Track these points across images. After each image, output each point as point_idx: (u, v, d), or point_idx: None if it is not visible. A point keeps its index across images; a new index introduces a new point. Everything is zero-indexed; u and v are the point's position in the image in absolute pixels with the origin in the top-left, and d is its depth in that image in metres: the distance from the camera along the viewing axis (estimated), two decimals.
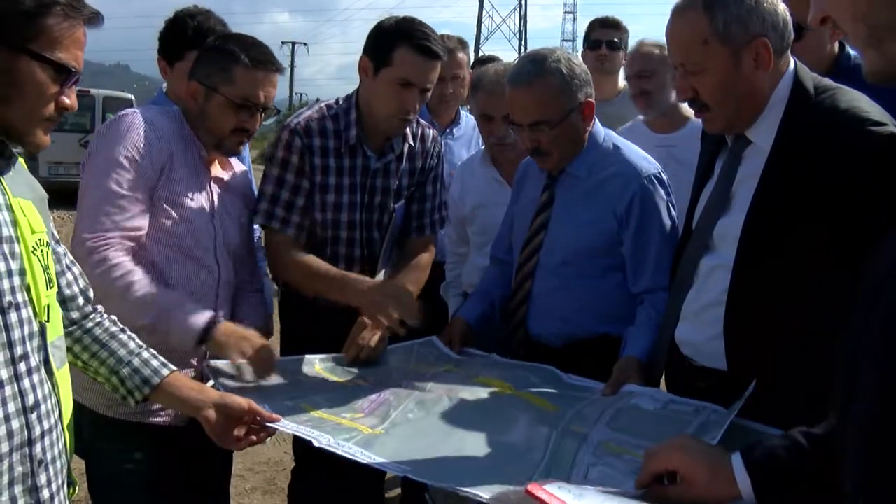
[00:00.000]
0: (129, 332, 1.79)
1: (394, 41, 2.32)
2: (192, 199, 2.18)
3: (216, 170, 2.30)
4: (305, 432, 1.80)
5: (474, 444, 1.74)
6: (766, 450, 1.37)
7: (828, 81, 1.86)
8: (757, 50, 1.79)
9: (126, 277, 1.99)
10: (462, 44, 3.41)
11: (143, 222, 2.08)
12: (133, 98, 16.35)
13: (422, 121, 2.63)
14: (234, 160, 2.40)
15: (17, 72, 1.33)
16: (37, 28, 1.33)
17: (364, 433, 1.82)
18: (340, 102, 2.49)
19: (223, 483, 2.52)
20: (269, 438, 1.88)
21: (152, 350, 1.80)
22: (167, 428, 2.15)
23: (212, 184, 2.27)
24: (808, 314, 1.72)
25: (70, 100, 1.41)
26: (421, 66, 2.32)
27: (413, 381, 2.13)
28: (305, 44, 66.23)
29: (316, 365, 2.23)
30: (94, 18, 1.42)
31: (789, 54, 1.87)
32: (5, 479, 1.28)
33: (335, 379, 2.18)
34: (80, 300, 1.69)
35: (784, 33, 1.82)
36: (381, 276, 2.51)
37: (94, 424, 2.10)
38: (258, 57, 2.17)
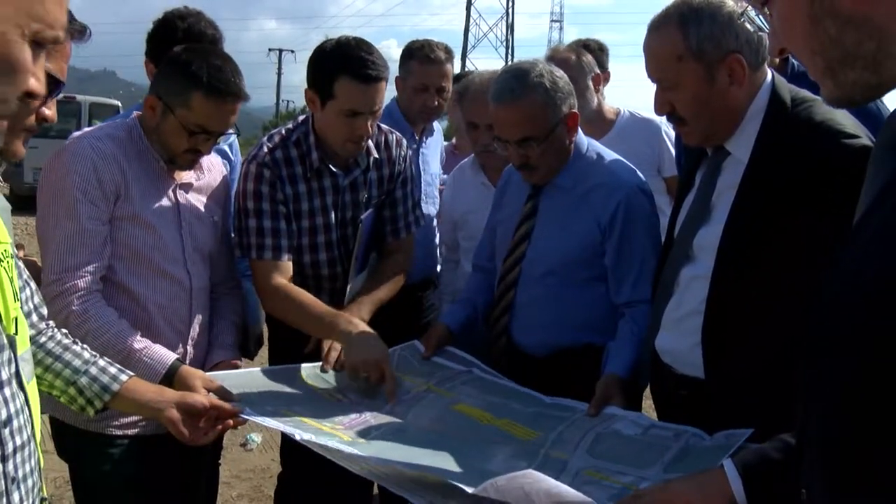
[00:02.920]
0: (81, 344, 1.78)
1: (333, 73, 2.28)
2: (154, 214, 2.15)
3: (183, 174, 2.26)
4: (287, 429, 1.82)
5: (454, 471, 1.74)
6: (757, 452, 1.41)
7: (805, 93, 1.89)
8: (731, 66, 1.82)
9: (86, 325, 1.98)
10: (449, 53, 3.35)
11: (105, 252, 2.07)
12: (119, 104, 16.24)
13: (383, 126, 2.60)
14: (206, 157, 2.33)
15: None
16: None
17: (345, 440, 1.83)
18: (299, 125, 2.47)
19: (210, 489, 2.52)
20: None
21: (107, 358, 1.81)
22: (150, 437, 2.15)
23: (177, 191, 2.23)
24: (786, 324, 1.75)
25: (50, 111, 1.41)
26: (364, 93, 2.28)
27: (393, 405, 2.12)
28: (293, 51, 66.14)
29: (298, 373, 2.23)
30: (82, 33, 1.45)
31: (766, 67, 1.90)
32: None
33: (317, 390, 2.18)
34: (35, 317, 1.66)
35: (759, 48, 1.85)
36: (353, 284, 2.52)
37: (76, 437, 2.12)
38: (219, 86, 2.09)
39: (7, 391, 1.27)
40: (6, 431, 1.25)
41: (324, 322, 2.29)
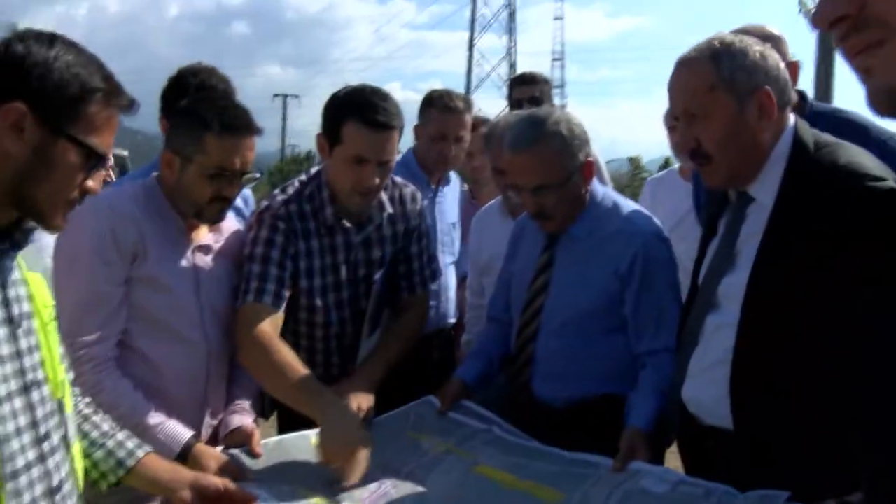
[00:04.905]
0: (101, 414, 1.74)
1: (342, 116, 2.23)
2: (171, 276, 2.10)
3: (202, 236, 2.22)
4: None
5: None
6: None
7: (828, 136, 1.87)
8: (761, 99, 1.81)
9: (99, 398, 1.90)
10: (468, 103, 3.33)
11: (121, 315, 2.03)
12: (126, 154, 16.29)
13: (398, 180, 2.55)
14: (226, 222, 2.30)
15: (52, 153, 1.32)
16: (78, 113, 1.33)
17: None
18: (312, 178, 2.41)
19: None
20: None
21: (126, 431, 1.76)
22: None
23: (195, 254, 2.18)
24: (816, 373, 1.69)
25: (94, 183, 1.40)
26: (372, 140, 2.22)
27: (413, 469, 2.06)
28: (297, 96, 66.93)
29: (312, 439, 2.15)
30: (130, 107, 1.41)
31: (789, 111, 1.88)
32: None
33: None
34: None
35: (785, 89, 1.84)
36: (367, 343, 2.45)
37: None
38: (231, 122, 2.08)
39: (58, 456, 1.33)
40: (58, 497, 1.31)
41: (304, 390, 2.11)
